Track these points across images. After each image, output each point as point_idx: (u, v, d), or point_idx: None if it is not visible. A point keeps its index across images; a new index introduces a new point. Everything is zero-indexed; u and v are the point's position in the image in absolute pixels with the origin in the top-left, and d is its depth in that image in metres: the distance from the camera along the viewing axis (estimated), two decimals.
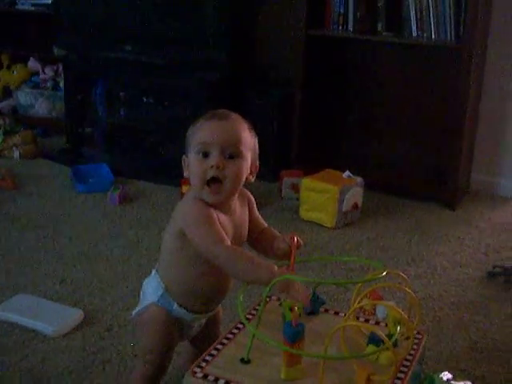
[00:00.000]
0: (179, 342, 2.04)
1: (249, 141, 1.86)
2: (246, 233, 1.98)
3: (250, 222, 1.99)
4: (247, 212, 1.98)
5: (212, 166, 1.78)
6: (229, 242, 1.77)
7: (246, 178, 1.88)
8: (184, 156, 1.90)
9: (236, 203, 1.91)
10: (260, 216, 2.04)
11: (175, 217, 1.89)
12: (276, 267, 1.71)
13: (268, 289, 1.62)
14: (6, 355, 2.35)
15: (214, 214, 1.80)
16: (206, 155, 1.80)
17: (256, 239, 2.01)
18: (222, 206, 1.85)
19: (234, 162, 1.81)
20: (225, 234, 1.78)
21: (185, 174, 1.90)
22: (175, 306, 1.93)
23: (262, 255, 2.01)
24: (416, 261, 3.27)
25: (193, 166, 1.83)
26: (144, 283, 2.03)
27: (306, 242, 1.93)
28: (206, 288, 1.93)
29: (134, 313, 2.04)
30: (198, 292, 1.93)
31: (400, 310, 1.70)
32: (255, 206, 2.02)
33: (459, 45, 3.85)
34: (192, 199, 1.84)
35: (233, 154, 1.81)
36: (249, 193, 2.01)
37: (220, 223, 1.81)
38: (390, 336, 1.66)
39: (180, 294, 1.93)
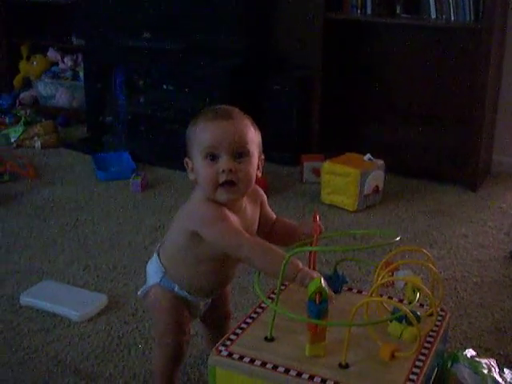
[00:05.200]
0: (190, 320, 2.04)
1: (254, 138, 1.82)
2: (255, 230, 1.96)
3: (260, 217, 1.97)
4: (258, 210, 1.96)
5: (223, 171, 1.75)
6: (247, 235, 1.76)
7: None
8: (186, 158, 1.86)
9: (246, 202, 1.89)
10: (269, 209, 2.01)
11: (184, 218, 1.87)
12: (300, 263, 1.68)
13: (286, 261, 1.61)
14: (32, 340, 2.38)
15: (228, 212, 1.79)
16: (213, 158, 1.76)
17: (270, 232, 1.99)
18: (233, 206, 1.83)
19: (243, 162, 1.78)
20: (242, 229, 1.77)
21: (190, 178, 1.86)
22: (177, 288, 1.94)
23: (279, 246, 2.00)
24: (438, 242, 3.26)
25: (202, 170, 1.79)
26: (148, 263, 2.03)
27: (327, 226, 1.93)
28: (207, 284, 1.95)
29: (139, 292, 2.05)
30: (197, 286, 1.94)
31: (418, 279, 1.70)
32: (266, 202, 2.00)
33: (479, 26, 3.81)
34: (203, 201, 1.81)
35: (241, 153, 1.77)
36: (261, 191, 1.98)
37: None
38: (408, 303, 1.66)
39: (179, 281, 1.93)
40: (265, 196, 1.99)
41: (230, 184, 1.77)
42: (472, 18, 3.85)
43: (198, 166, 1.80)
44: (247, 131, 1.80)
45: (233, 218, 1.79)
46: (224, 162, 1.75)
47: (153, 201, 3.72)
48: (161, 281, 1.94)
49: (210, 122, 1.79)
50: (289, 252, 1.63)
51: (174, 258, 1.93)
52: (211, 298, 2.04)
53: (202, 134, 1.79)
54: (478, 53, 3.83)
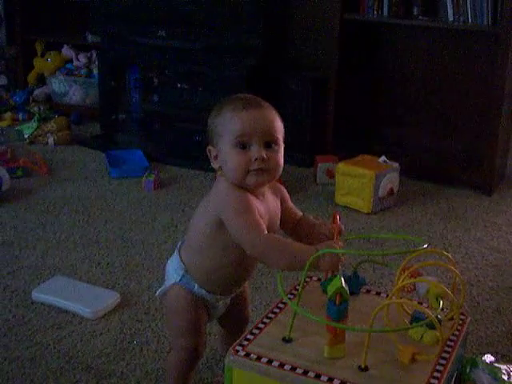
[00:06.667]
0: (207, 322, 2.01)
1: (281, 127, 1.83)
2: (278, 223, 1.94)
3: (283, 213, 1.95)
4: (279, 205, 1.94)
5: (256, 159, 1.75)
6: (266, 232, 1.73)
7: None
8: (209, 147, 1.85)
9: (268, 192, 1.88)
10: (294, 206, 2.00)
11: (210, 206, 1.84)
12: (318, 246, 1.67)
13: (308, 263, 1.59)
14: (43, 337, 2.37)
15: (253, 201, 1.78)
16: (244, 147, 1.76)
17: (293, 230, 1.97)
18: (257, 191, 1.82)
19: (273, 150, 1.78)
20: (263, 224, 1.75)
21: (213, 166, 1.85)
22: (196, 286, 1.91)
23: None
24: (453, 246, 3.23)
25: (232, 159, 1.77)
26: (167, 263, 2.00)
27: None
28: (227, 276, 1.92)
29: (158, 292, 2.01)
30: (218, 279, 1.91)
31: (442, 285, 1.67)
32: (288, 197, 1.98)
33: (496, 29, 3.79)
34: (230, 188, 1.80)
35: (271, 142, 1.78)
36: (281, 186, 1.97)
37: (257, 210, 1.78)
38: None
39: (200, 277, 1.90)
40: (286, 192, 1.98)
41: (260, 170, 1.77)
42: (490, 21, 3.82)
43: (226, 155, 1.79)
44: (276, 120, 1.81)
45: (257, 206, 1.78)
46: (256, 151, 1.75)
47: (165, 199, 3.70)
48: (181, 280, 1.91)
49: (241, 111, 1.78)
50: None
51: (196, 251, 1.90)
52: (230, 296, 2.02)
53: (233, 123, 1.78)
54: (495, 56, 3.81)
